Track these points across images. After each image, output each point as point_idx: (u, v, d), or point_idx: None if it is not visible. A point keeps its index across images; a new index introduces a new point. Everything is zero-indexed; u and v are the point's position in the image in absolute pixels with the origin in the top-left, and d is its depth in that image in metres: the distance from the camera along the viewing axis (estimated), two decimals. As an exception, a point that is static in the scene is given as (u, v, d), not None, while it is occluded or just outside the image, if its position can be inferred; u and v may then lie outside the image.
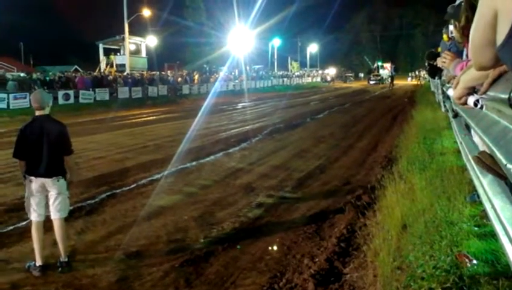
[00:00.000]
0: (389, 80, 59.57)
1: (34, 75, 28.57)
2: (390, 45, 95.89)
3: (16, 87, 25.28)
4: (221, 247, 5.56)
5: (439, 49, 9.34)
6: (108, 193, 7.91)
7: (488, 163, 1.54)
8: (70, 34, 63.32)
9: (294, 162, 10.86)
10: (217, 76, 47.02)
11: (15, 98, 23.74)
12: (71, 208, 5.73)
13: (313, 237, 5.90)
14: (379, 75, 75.31)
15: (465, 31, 2.60)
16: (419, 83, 56.81)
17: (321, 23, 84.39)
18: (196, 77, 42.78)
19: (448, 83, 4.71)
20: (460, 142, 4.13)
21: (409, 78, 75.30)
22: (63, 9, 61.95)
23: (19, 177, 5.13)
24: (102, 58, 45.36)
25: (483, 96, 1.65)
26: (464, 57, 3.66)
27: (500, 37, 1.25)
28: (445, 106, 9.07)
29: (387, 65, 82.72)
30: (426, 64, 9.82)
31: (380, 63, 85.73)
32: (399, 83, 59.21)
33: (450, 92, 3.44)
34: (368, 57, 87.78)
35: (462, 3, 2.72)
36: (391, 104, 29.75)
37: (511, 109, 1.28)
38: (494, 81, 1.53)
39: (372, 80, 72.22)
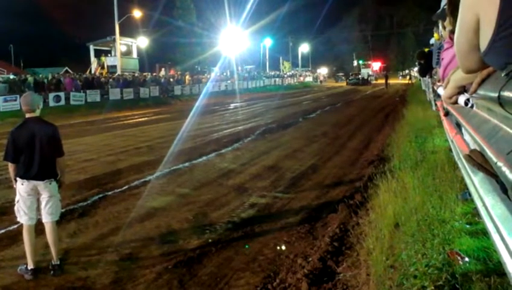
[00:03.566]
0: (372, 80, 59.59)
1: (30, 78, 28.23)
2: (381, 44, 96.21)
3: (5, 89, 25.07)
4: (215, 248, 5.56)
5: (427, 49, 9.40)
6: (100, 195, 7.87)
7: (479, 161, 1.55)
8: (61, 35, 62.97)
9: (286, 162, 10.87)
10: (208, 76, 47.03)
11: (5, 101, 23.54)
12: (63, 210, 5.70)
13: (306, 236, 5.90)
14: (358, 74, 70.59)
15: (452, 35, 2.62)
16: (410, 81, 57.09)
17: (312, 24, 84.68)
18: (187, 77, 42.72)
19: (439, 81, 4.74)
20: (452, 141, 4.16)
21: (400, 77, 75.30)
22: (52, 11, 61.57)
23: (10, 180, 5.08)
24: (93, 60, 45.13)
25: (474, 95, 1.66)
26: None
27: (484, 43, 1.26)
28: (436, 104, 9.12)
29: (372, 63, 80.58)
30: (417, 63, 9.89)
31: (361, 62, 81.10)
32: (390, 82, 59.38)
33: (441, 91, 3.45)
34: (359, 57, 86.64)
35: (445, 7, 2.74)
36: (382, 103, 29.91)
37: (500, 108, 1.29)
38: (484, 80, 1.54)
39: (351, 80, 66.71)
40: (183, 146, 12.78)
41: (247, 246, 5.63)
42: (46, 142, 4.91)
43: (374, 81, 69.11)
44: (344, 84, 68.09)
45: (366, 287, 4.14)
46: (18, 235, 5.45)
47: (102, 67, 43.62)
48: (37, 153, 4.84)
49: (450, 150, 5.97)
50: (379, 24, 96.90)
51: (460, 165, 2.64)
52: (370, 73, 72.28)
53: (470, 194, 3.84)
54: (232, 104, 30.72)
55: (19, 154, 4.83)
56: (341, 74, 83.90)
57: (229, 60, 52.50)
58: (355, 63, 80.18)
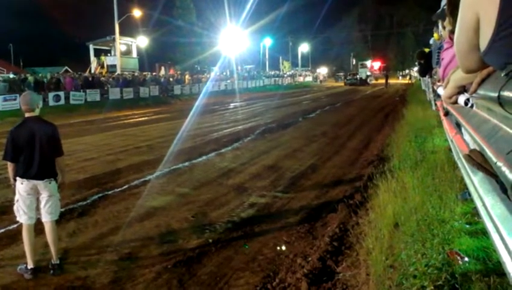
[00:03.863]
0: (371, 80, 58.88)
1: (30, 77, 28.20)
2: (381, 44, 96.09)
3: (5, 89, 25.04)
4: (214, 247, 5.56)
5: (427, 49, 9.40)
6: (100, 195, 7.87)
7: (479, 161, 1.55)
8: (61, 35, 62.94)
9: (286, 161, 10.86)
10: (208, 76, 47.05)
11: (5, 100, 23.51)
12: (62, 209, 5.70)
13: (305, 236, 5.91)
14: (356, 74, 68.74)
15: (451, 35, 2.62)
16: (410, 81, 57.08)
17: (312, 23, 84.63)
18: (187, 77, 42.74)
19: (439, 81, 4.74)
20: (451, 141, 4.16)
21: (400, 77, 74.98)
22: (52, 10, 61.56)
23: (9, 179, 5.07)
24: (93, 59, 45.12)
25: (473, 94, 1.66)
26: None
27: (484, 42, 1.26)
28: (435, 104, 9.12)
29: (369, 63, 78.97)
30: (417, 63, 9.89)
31: (359, 62, 77.69)
32: (390, 82, 59.40)
33: (441, 91, 3.45)
34: (358, 56, 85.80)
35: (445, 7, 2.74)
36: (382, 103, 29.90)
37: (500, 107, 1.29)
38: (483, 80, 1.54)
39: (349, 80, 65.65)
40: (183, 145, 12.78)
41: (246, 246, 5.63)
42: (46, 142, 4.90)
43: (374, 81, 68.60)
44: (343, 83, 67.48)
45: (365, 287, 4.14)
46: (17, 234, 5.45)
47: (102, 67, 43.61)
48: (36, 153, 4.83)
49: (450, 149, 5.98)
50: (379, 24, 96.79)
51: (460, 165, 2.64)
52: (368, 73, 70.97)
53: (469, 194, 3.84)
54: (231, 104, 30.73)
55: (19, 153, 4.82)
56: (341, 73, 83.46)
57: (229, 59, 52.55)
58: (353, 62, 78.19)
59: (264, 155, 11.67)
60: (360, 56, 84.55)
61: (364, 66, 74.66)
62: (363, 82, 63.57)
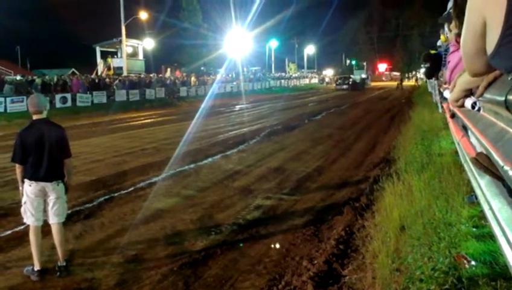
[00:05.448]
0: (367, 84, 56.45)
1: (38, 79, 28.38)
2: (387, 46, 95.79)
3: (12, 90, 25.22)
4: (220, 250, 5.56)
5: (433, 51, 9.38)
6: (106, 197, 7.89)
7: (486, 164, 1.54)
8: (67, 37, 63.22)
9: (292, 164, 10.85)
10: (214, 78, 47.17)
11: (12, 102, 23.70)
12: (69, 211, 5.72)
13: (311, 239, 5.90)
14: (349, 78, 58.29)
15: (457, 38, 2.61)
16: (416, 84, 56.85)
17: (318, 25, 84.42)
18: (192, 79, 42.85)
19: (445, 84, 4.72)
20: (458, 143, 4.14)
21: (406, 79, 74.64)
22: (59, 12, 61.95)
23: (16, 181, 5.10)
24: (100, 61, 45.32)
25: (480, 98, 1.66)
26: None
27: (490, 46, 1.25)
28: (442, 106, 9.09)
29: (378, 64, 75.13)
30: (422, 65, 9.84)
31: (353, 62, 69.93)
32: (395, 84, 59.12)
33: (447, 94, 3.44)
34: (353, 57, 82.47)
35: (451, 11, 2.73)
36: (388, 105, 29.81)
37: (507, 111, 1.28)
38: (490, 83, 1.53)
39: (338, 84, 56.62)
40: (189, 147, 12.80)
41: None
42: (55, 144, 4.93)
43: (371, 84, 65.71)
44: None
45: (371, 290, 4.12)
46: (24, 236, 5.47)
47: (109, 69, 43.80)
48: (45, 155, 4.86)
49: (457, 152, 5.95)
50: (385, 26, 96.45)
51: (466, 168, 2.63)
52: (364, 76, 65.13)
53: (476, 197, 3.82)
54: (237, 106, 30.77)
55: (27, 155, 4.84)
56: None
57: (235, 61, 52.61)
58: (346, 62, 73.78)
59: (270, 157, 11.67)
60: (353, 56, 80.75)
61: (360, 68, 68.38)
62: (357, 86, 53.70)
